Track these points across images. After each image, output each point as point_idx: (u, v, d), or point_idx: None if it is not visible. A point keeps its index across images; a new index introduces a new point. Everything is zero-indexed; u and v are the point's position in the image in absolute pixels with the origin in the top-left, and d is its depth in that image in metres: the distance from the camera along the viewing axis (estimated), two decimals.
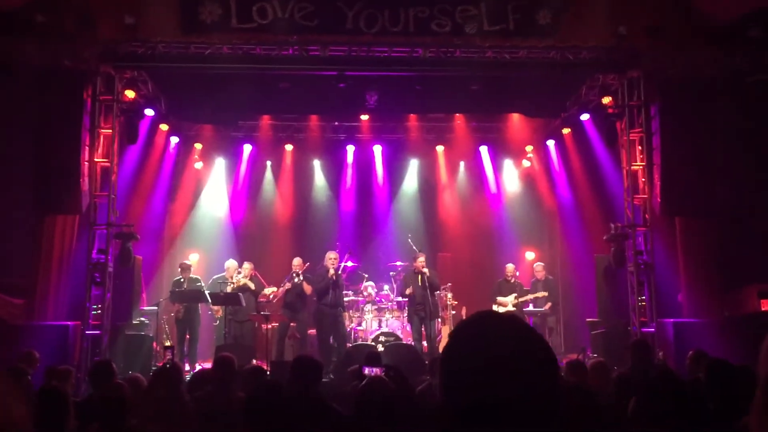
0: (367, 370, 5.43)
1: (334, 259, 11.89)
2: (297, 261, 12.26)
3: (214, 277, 12.71)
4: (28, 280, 10.33)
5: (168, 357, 5.34)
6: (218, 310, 12.26)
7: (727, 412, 3.16)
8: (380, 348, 11.02)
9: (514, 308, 12.93)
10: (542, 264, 13.79)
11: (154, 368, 9.96)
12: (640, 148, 11.34)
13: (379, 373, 5.18)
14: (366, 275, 13.69)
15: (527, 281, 13.83)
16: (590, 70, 11.57)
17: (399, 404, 4.20)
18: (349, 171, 15.96)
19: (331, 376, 10.69)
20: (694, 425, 3.30)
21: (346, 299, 12.88)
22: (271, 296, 12.49)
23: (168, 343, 11.79)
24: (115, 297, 10.88)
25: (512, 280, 13.37)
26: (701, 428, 3.29)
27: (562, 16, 10.52)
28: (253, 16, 10.33)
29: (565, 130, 14.09)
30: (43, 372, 7.02)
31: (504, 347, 1.33)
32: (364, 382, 4.22)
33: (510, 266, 13.48)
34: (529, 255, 15.25)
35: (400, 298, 12.84)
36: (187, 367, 11.48)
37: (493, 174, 15.99)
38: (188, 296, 12.16)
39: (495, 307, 12.99)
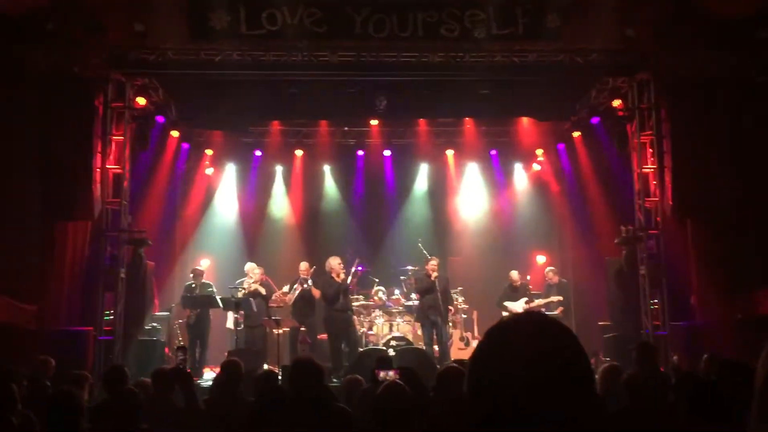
0: (382, 374, 5.41)
1: (340, 264, 11.87)
2: (304, 265, 12.26)
3: (237, 282, 12.67)
4: (40, 287, 10.38)
5: (180, 358, 5.35)
6: (240, 316, 12.20)
7: (739, 412, 3.15)
8: (391, 352, 11.01)
9: None
10: (553, 269, 13.69)
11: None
12: (651, 150, 11.31)
13: (394, 376, 5.16)
14: (377, 280, 13.69)
15: (539, 286, 13.77)
16: (599, 73, 11.57)
17: (415, 408, 4.19)
18: (359, 176, 15.97)
19: (343, 380, 10.70)
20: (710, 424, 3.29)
21: (356, 304, 12.91)
22: (287, 298, 12.39)
23: (180, 343, 11.83)
24: (128, 303, 10.92)
25: (518, 285, 13.25)
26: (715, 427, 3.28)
27: (570, 20, 10.52)
28: (262, 23, 10.38)
29: (575, 134, 14.04)
30: (57, 377, 7.07)
31: (536, 353, 1.29)
32: (380, 389, 4.20)
33: (514, 273, 13.31)
34: (540, 258, 15.19)
35: (414, 296, 12.80)
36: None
37: (503, 178, 15.97)
38: (200, 301, 12.19)
39: (506, 315, 12.93)
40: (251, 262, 12.90)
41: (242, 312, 11.94)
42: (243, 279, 12.53)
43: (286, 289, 12.46)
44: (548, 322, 1.37)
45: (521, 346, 1.31)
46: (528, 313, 1.43)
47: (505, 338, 1.35)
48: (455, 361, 8.31)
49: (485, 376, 1.32)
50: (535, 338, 1.32)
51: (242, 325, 12.02)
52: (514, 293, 13.13)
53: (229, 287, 12.49)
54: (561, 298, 13.08)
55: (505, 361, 1.30)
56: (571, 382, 1.28)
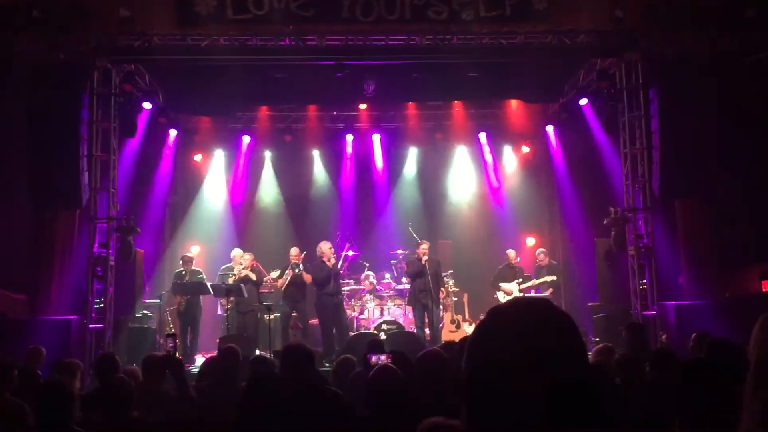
0: (374, 359, 5.42)
1: (331, 249, 11.90)
2: (294, 251, 12.26)
3: (222, 267, 12.70)
4: (30, 276, 10.36)
5: (170, 345, 5.35)
6: (227, 302, 12.23)
7: (727, 393, 3.18)
8: (383, 336, 11.05)
9: (520, 294, 12.90)
10: (544, 250, 13.77)
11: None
12: (639, 131, 11.33)
13: (386, 360, 5.17)
14: (367, 264, 13.71)
15: (529, 267, 13.83)
16: (587, 54, 11.55)
17: (406, 391, 4.21)
18: (348, 160, 15.94)
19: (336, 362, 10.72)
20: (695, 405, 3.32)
21: (347, 288, 12.96)
22: (278, 283, 12.40)
23: (171, 330, 11.86)
24: (118, 290, 10.90)
25: (514, 265, 13.35)
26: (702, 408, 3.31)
27: (557, 1, 10.50)
28: (248, 7, 10.32)
29: (564, 115, 14.03)
30: (48, 366, 7.06)
31: (534, 340, 1.28)
32: (372, 373, 4.22)
33: (511, 252, 13.44)
34: (530, 240, 15.25)
35: (405, 280, 12.85)
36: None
37: (492, 160, 15.98)
38: (190, 288, 12.18)
39: (499, 294, 13.02)
40: (238, 248, 12.87)
41: (230, 298, 11.94)
42: (228, 265, 12.53)
43: (274, 274, 12.46)
44: (548, 309, 1.35)
45: (520, 335, 1.29)
46: (528, 300, 1.40)
47: (504, 326, 1.33)
48: (446, 342, 8.35)
49: (482, 360, 1.31)
50: (534, 328, 1.30)
51: (228, 311, 12.03)
52: (511, 271, 13.20)
53: (220, 273, 12.49)
54: (554, 278, 13.15)
55: (503, 350, 1.29)
56: (568, 383, 1.26)
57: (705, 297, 10.49)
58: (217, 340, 11.43)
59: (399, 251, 13.88)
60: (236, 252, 12.65)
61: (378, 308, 12.94)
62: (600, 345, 7.17)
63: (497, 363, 1.28)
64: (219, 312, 12.99)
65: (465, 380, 1.33)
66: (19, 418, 4.34)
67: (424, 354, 5.30)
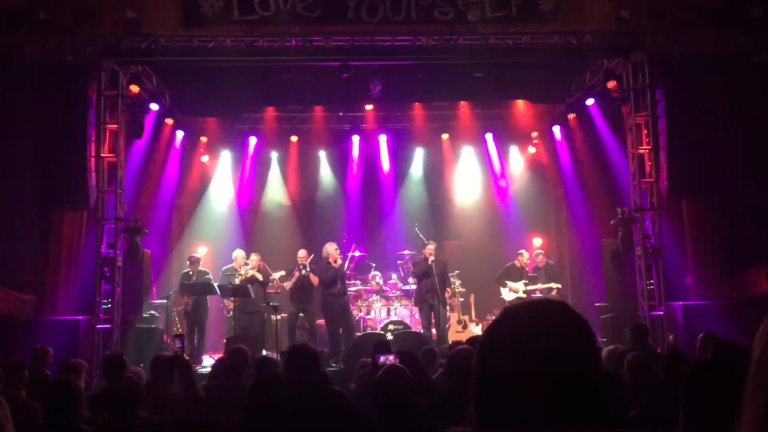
0: (382, 359, 5.43)
1: (336, 249, 11.91)
2: (302, 253, 12.28)
3: (223, 268, 12.73)
4: (38, 276, 10.39)
5: (178, 346, 5.37)
6: (230, 302, 12.28)
7: (729, 394, 3.18)
8: (389, 336, 11.06)
9: (524, 294, 12.90)
10: (542, 251, 13.77)
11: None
12: (645, 131, 11.30)
13: (394, 360, 5.18)
14: (373, 264, 13.72)
15: (531, 268, 13.83)
16: (594, 54, 11.52)
17: (414, 392, 4.21)
18: (355, 161, 15.96)
19: (341, 365, 10.76)
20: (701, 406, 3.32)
21: (354, 289, 12.96)
22: (285, 284, 12.43)
23: (178, 330, 11.90)
24: (125, 291, 10.93)
25: (523, 266, 13.32)
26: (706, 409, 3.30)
27: (563, 1, 10.49)
28: (254, 8, 10.33)
29: (571, 116, 14.03)
30: (56, 366, 7.09)
31: (543, 341, 1.27)
32: (380, 373, 4.22)
33: (525, 253, 13.40)
34: (537, 241, 15.21)
35: (411, 280, 12.87)
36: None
37: (498, 161, 15.96)
38: (197, 289, 12.21)
39: (505, 291, 13.00)
40: (240, 249, 12.87)
41: (233, 298, 11.97)
42: (230, 265, 12.55)
43: (278, 275, 12.47)
44: (561, 311, 1.34)
45: (529, 335, 1.28)
46: (540, 301, 1.39)
47: (515, 326, 1.32)
48: (454, 342, 8.35)
49: (492, 360, 1.31)
50: (545, 329, 1.29)
51: (232, 312, 12.05)
52: (518, 271, 13.19)
53: (222, 274, 12.51)
54: (560, 285, 13.17)
55: (512, 350, 1.28)
56: (575, 384, 1.25)
57: (712, 297, 10.47)
58: (224, 341, 11.47)
59: (405, 252, 13.87)
60: (238, 253, 12.67)
61: (384, 308, 12.94)
62: (611, 347, 7.16)
63: (506, 363, 1.28)
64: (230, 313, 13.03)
65: (474, 379, 1.34)
66: (30, 417, 4.37)
67: (456, 351, 5.29)
